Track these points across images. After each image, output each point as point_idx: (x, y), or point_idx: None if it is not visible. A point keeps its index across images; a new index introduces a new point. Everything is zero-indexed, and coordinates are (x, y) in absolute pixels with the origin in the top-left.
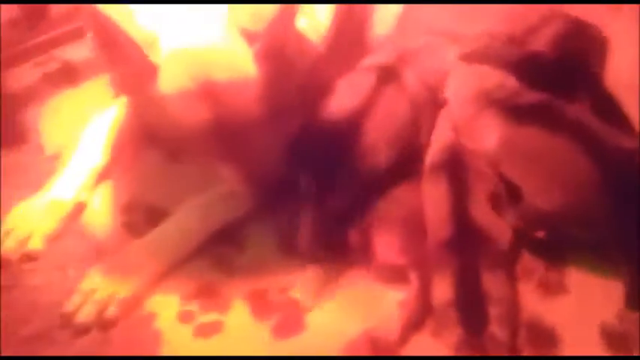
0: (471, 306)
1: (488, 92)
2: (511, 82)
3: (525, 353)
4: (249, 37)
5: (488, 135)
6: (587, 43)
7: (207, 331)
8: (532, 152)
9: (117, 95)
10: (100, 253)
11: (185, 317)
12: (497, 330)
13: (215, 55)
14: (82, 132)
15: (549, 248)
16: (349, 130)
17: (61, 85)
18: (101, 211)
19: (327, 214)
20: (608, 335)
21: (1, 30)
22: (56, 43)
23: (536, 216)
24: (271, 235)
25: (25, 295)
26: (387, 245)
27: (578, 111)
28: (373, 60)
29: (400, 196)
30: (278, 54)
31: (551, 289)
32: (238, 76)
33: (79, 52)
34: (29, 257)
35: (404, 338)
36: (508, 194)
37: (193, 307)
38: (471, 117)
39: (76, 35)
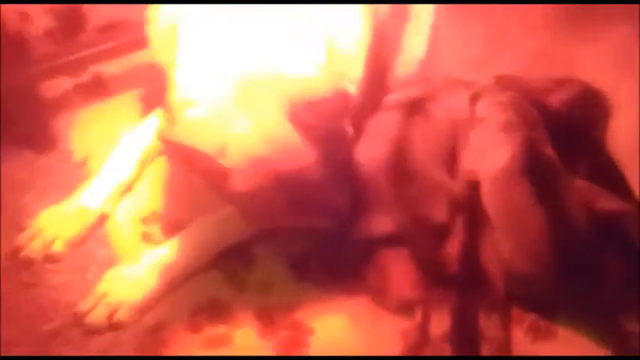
0: (465, 342)
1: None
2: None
3: None
4: (305, 128)
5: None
6: (594, 109)
7: (214, 343)
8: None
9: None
10: (117, 260)
11: (194, 328)
12: None
13: (278, 149)
14: (109, 143)
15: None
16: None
17: (91, 97)
18: (122, 221)
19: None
20: None
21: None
22: (92, 59)
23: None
24: (282, 255)
25: (45, 293)
26: (401, 279)
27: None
28: (398, 96)
29: None
30: (332, 137)
31: (541, 333)
32: (299, 165)
33: (110, 67)
34: (52, 259)
35: None
36: None
37: (202, 318)
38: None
39: (112, 53)
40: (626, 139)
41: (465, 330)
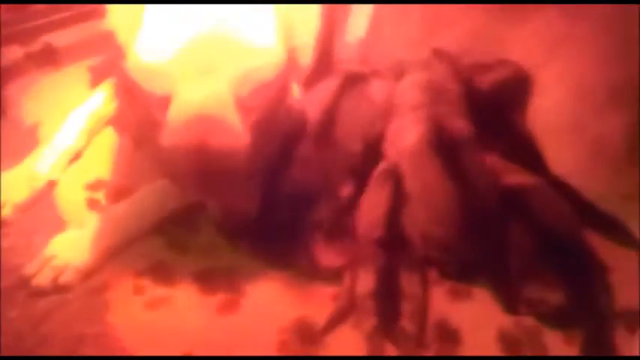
0: (387, 298)
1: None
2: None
3: (431, 349)
4: (245, 108)
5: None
6: (518, 92)
7: (156, 303)
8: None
9: (96, 84)
10: (64, 225)
11: (137, 290)
12: (407, 324)
13: (213, 122)
14: (58, 111)
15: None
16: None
17: (42, 66)
18: (69, 187)
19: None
20: (504, 339)
21: None
22: (43, 29)
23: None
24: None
25: None
26: (327, 251)
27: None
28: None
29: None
30: (270, 125)
31: (459, 295)
32: (231, 144)
33: (61, 37)
34: (1, 223)
35: (329, 328)
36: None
37: (145, 281)
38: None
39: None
40: (550, 117)
41: (387, 288)
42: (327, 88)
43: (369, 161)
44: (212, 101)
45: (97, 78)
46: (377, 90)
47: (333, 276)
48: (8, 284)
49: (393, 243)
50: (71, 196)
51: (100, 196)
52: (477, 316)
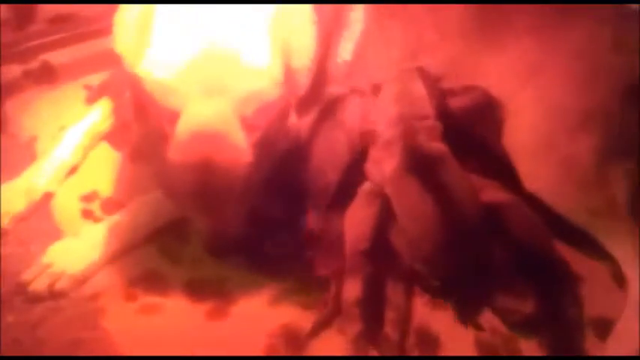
0: (372, 306)
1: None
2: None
3: (413, 354)
4: (249, 127)
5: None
6: (489, 115)
7: (148, 310)
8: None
9: (92, 101)
10: (60, 234)
11: (129, 297)
12: (390, 331)
13: (218, 139)
14: (54, 126)
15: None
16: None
17: (40, 84)
18: (64, 198)
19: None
20: (481, 345)
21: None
22: (41, 48)
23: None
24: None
25: None
26: (317, 260)
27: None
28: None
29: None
30: (270, 145)
31: (439, 304)
32: (234, 161)
33: (59, 56)
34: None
35: (314, 333)
36: None
37: (138, 288)
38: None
39: (61, 43)
40: (524, 137)
41: (373, 297)
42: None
43: (344, 190)
44: (217, 119)
45: (92, 95)
46: (352, 111)
47: (322, 285)
48: (6, 290)
49: (380, 255)
50: (67, 207)
51: (95, 207)
52: (455, 324)
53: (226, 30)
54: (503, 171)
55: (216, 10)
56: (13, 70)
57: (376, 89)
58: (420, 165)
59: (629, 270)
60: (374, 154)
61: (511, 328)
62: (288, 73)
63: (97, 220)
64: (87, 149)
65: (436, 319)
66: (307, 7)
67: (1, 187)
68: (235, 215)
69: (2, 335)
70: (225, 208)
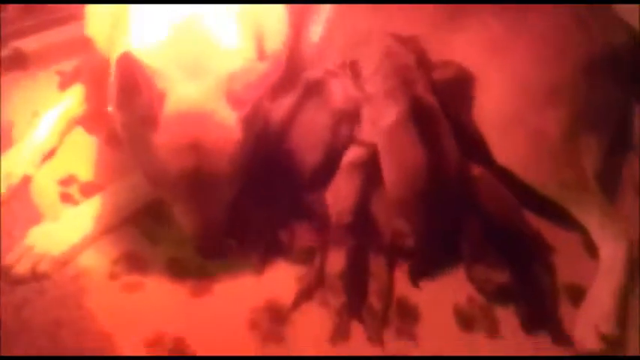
0: (356, 278)
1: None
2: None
3: (392, 325)
4: (236, 102)
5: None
6: (461, 88)
7: (130, 288)
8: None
9: (65, 87)
10: (40, 218)
11: (111, 276)
12: (374, 301)
13: (207, 117)
14: (29, 112)
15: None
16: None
17: (13, 70)
18: (43, 183)
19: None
20: (459, 314)
21: None
22: (14, 35)
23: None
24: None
25: None
26: (302, 233)
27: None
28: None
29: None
30: (258, 120)
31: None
32: (223, 139)
33: (31, 43)
34: None
35: (297, 305)
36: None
37: (120, 268)
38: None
39: (33, 30)
40: (493, 113)
41: (356, 269)
42: (287, 101)
43: (327, 167)
44: (203, 98)
45: (65, 81)
46: (336, 92)
47: (305, 258)
48: None
49: (362, 228)
50: (46, 191)
51: (74, 190)
52: (434, 294)
53: (200, 12)
54: (474, 145)
55: None
56: None
57: (354, 65)
58: (420, 114)
59: (599, 239)
60: (368, 113)
61: (487, 297)
62: (262, 56)
63: (76, 203)
64: (62, 134)
65: (415, 290)
66: None
67: None
68: (221, 202)
69: None
70: (214, 193)
